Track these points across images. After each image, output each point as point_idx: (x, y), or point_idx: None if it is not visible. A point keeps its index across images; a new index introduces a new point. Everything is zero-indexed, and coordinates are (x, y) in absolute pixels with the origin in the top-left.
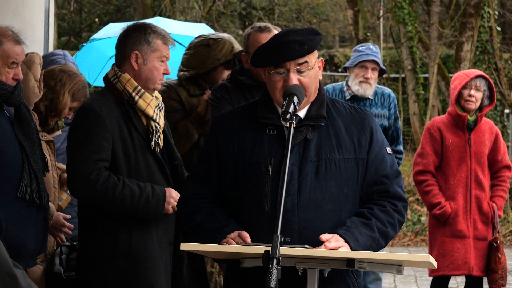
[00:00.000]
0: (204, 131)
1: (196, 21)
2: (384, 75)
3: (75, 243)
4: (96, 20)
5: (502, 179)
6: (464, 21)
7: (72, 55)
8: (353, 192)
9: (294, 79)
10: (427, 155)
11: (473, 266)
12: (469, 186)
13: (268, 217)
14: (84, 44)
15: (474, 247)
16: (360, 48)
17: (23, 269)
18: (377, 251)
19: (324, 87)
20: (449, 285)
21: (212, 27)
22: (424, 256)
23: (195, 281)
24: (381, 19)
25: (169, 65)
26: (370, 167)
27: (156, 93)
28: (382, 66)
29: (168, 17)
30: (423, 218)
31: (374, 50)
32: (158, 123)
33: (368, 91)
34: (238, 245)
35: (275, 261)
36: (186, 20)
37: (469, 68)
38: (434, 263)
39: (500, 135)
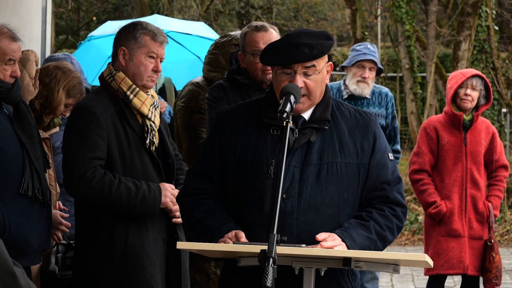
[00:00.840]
0: None
1: (194, 20)
2: (382, 74)
3: (71, 242)
4: (94, 18)
5: (499, 179)
6: (462, 20)
7: (70, 53)
8: (353, 197)
9: (300, 81)
10: (423, 154)
11: (468, 266)
12: (464, 186)
13: (268, 218)
14: (82, 42)
15: (469, 247)
16: (358, 47)
17: (22, 268)
18: None
19: None
20: (446, 284)
21: (210, 25)
22: (420, 255)
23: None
24: (379, 18)
25: (168, 64)
26: (372, 173)
27: (152, 92)
28: (379, 65)
29: (166, 15)
30: (420, 218)
31: (371, 50)
32: (154, 122)
33: (365, 90)
34: (235, 244)
35: (271, 260)
36: (184, 19)
37: (466, 67)
38: (431, 262)
39: (497, 134)
